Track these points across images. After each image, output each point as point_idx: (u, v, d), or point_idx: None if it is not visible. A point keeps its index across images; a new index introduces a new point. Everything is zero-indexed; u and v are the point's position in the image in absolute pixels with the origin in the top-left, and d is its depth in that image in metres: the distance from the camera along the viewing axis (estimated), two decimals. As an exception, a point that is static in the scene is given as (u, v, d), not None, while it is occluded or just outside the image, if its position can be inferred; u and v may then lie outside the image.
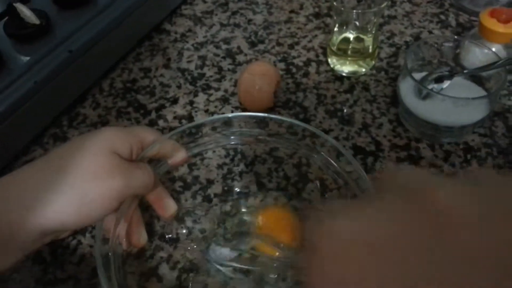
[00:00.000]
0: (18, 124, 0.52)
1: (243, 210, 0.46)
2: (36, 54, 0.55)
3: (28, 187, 0.32)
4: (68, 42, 0.57)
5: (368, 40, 0.57)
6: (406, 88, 0.51)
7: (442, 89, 0.51)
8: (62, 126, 0.57)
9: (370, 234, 0.16)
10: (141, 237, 0.40)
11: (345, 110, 0.56)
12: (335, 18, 0.56)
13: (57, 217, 0.31)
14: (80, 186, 0.32)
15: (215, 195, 0.47)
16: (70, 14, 0.59)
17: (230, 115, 0.46)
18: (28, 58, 0.54)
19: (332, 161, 0.43)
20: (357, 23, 0.55)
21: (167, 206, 0.41)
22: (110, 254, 0.36)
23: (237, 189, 0.48)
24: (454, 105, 0.47)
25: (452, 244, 0.15)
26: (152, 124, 0.56)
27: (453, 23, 0.66)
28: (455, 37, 0.60)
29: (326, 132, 0.53)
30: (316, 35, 0.66)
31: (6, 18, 0.58)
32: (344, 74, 0.60)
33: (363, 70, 0.60)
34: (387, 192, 0.18)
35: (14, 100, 0.51)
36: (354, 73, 0.60)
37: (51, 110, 0.57)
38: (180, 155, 0.42)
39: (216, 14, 0.71)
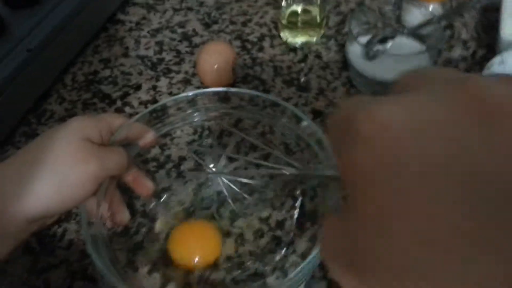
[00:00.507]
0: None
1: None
2: (-6, 55, 0.55)
3: (8, 178, 0.34)
4: (25, 41, 0.57)
5: (315, 11, 0.60)
6: (353, 52, 0.55)
7: (386, 49, 0.55)
8: (31, 124, 0.58)
9: (416, 117, 0.14)
10: (124, 215, 0.42)
11: (301, 79, 0.59)
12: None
13: (40, 203, 0.33)
14: (58, 171, 0.34)
15: (189, 170, 0.50)
16: (24, 13, 0.60)
17: (192, 93, 0.48)
18: (-14, 60, 0.55)
19: (292, 127, 0.46)
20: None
21: (145, 185, 0.44)
22: (97, 235, 0.38)
23: (208, 162, 0.51)
24: (397, 62, 0.51)
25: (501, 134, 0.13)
26: (118, 111, 0.58)
27: (393, -13, 0.70)
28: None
29: (286, 100, 0.56)
30: (267, 11, 0.69)
31: (-41, 23, 0.58)
32: (297, 46, 0.63)
33: (314, 39, 0.63)
34: (416, 89, 0.16)
35: (-22, 102, 0.52)
36: (306, 43, 0.63)
37: (17, 109, 0.58)
38: (149, 135, 0.44)
39: (168, 0, 0.73)
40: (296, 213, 0.46)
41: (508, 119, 0.13)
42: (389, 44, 0.56)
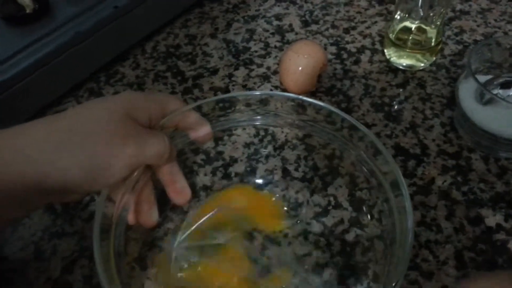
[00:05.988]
0: (56, 73, 0.52)
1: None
2: (81, 5, 0.54)
3: (36, 140, 0.30)
4: (115, -3, 0.55)
5: (431, 32, 0.51)
6: (466, 90, 0.45)
7: (508, 96, 0.45)
8: (99, 82, 0.56)
9: None
10: (151, 216, 0.37)
11: (393, 106, 0.51)
12: (397, 1, 0.51)
13: (59, 177, 0.29)
14: (88, 148, 0.29)
15: (236, 174, 0.44)
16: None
17: (267, 92, 0.43)
18: (73, 8, 0.54)
19: (367, 159, 0.38)
20: (421, 11, 0.50)
21: (182, 193, 0.38)
22: (113, 218, 0.34)
23: (260, 172, 0.45)
24: (518, 115, 0.41)
25: None
26: (187, 92, 0.54)
27: (535, 26, 0.58)
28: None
29: (368, 126, 0.48)
30: (376, 22, 0.61)
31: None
32: (399, 67, 0.55)
33: (422, 65, 0.54)
34: None
35: (54, 47, 0.50)
36: (410, 67, 0.54)
37: (90, 64, 0.56)
38: (204, 129, 0.39)
39: (274, -12, 0.67)
40: None
41: None
42: (512, 91, 0.45)
